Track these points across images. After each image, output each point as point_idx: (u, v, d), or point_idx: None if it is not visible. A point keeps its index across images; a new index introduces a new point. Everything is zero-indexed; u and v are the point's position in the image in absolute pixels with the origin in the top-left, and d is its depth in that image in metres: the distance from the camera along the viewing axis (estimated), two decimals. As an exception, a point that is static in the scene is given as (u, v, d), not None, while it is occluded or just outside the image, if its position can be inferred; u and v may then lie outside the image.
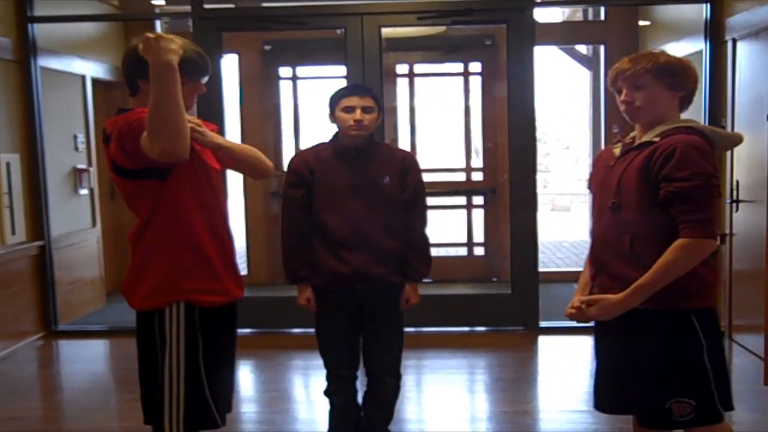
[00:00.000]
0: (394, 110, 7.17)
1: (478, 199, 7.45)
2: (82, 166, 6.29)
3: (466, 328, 5.56)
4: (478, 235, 7.44)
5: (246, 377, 4.68)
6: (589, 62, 8.20)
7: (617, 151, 2.35)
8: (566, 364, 4.76)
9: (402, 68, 7.35)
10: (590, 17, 7.95)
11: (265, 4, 6.73)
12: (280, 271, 3.10)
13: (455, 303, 5.69)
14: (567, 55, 8.32)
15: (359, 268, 2.89)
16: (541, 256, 5.61)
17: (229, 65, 6.66)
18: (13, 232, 5.27)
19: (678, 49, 5.52)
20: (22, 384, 4.65)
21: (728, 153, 4.69)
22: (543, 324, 5.39)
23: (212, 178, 2.43)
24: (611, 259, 2.29)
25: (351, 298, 2.96)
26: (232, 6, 6.35)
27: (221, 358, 2.49)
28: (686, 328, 2.21)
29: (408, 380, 3.93)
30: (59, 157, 5.89)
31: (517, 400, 4.11)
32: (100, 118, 6.46)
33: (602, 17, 7.40)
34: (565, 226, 12.70)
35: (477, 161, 7.59)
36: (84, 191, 6.32)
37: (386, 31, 5.56)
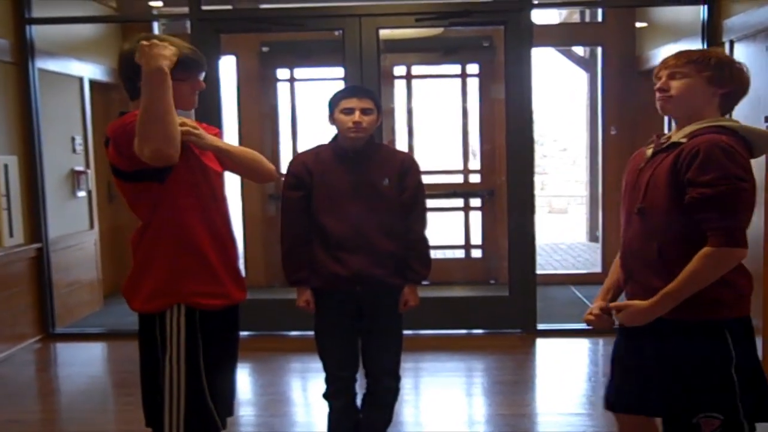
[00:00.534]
0: (391, 112, 7.18)
1: (475, 201, 7.44)
2: (80, 168, 6.28)
3: (464, 331, 5.55)
4: (476, 237, 7.43)
5: (244, 380, 4.66)
6: (587, 64, 8.20)
7: (649, 152, 2.21)
8: (564, 367, 4.76)
9: (400, 70, 7.35)
10: (587, 19, 7.96)
11: (263, 6, 6.72)
12: (278, 274, 3.10)
13: (453, 305, 5.68)
14: (564, 56, 8.33)
15: (358, 270, 2.88)
16: (538, 259, 5.60)
17: (227, 67, 6.65)
18: (11, 235, 5.26)
19: (675, 50, 5.50)
20: (20, 387, 4.64)
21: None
22: (541, 326, 5.38)
23: (212, 181, 2.43)
24: (639, 268, 2.20)
25: (350, 299, 2.95)
26: (229, 8, 6.34)
27: (222, 360, 2.48)
28: (717, 341, 2.10)
29: (406, 383, 3.92)
30: (57, 159, 5.89)
31: (515, 402, 4.12)
32: (97, 120, 6.47)
33: (599, 19, 7.40)
34: (562, 229, 12.68)
35: (474, 163, 7.58)
36: (82, 193, 6.32)
37: (384, 33, 5.57)
